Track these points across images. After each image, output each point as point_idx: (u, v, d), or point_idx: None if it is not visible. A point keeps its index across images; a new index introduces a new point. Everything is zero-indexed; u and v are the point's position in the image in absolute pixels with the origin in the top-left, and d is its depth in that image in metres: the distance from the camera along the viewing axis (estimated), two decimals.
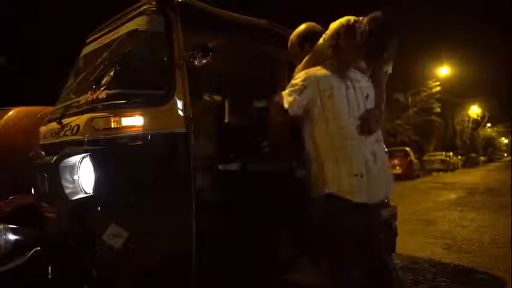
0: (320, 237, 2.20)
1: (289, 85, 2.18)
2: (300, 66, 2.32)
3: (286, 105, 2.10)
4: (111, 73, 2.39)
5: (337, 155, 2.10)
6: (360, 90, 2.20)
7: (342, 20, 2.21)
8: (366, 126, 2.15)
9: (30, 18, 13.34)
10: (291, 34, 2.49)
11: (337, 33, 2.17)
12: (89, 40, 3.14)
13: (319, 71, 2.17)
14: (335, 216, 2.11)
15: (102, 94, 2.30)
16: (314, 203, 2.19)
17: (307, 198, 2.37)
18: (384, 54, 2.22)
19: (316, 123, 2.15)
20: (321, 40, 2.25)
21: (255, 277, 2.94)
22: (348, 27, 2.16)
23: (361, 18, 2.18)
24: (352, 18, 2.18)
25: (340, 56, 2.18)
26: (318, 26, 2.46)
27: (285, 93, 2.15)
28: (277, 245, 3.24)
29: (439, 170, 26.19)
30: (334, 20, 2.22)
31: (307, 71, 2.20)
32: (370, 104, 2.22)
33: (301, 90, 2.12)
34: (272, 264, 3.10)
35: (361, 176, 2.09)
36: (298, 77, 2.18)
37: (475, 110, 43.96)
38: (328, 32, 2.22)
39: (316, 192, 2.16)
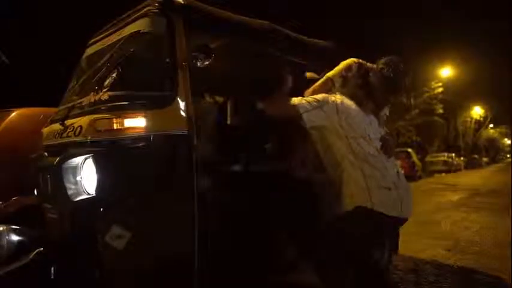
0: (340, 247, 2.26)
1: (310, 99, 2.39)
2: (312, 88, 2.60)
3: (304, 116, 2.30)
4: (114, 74, 2.39)
5: (363, 169, 2.23)
6: (374, 118, 2.48)
7: (354, 59, 2.62)
8: (388, 147, 2.39)
9: (31, 18, 13.37)
10: (291, 35, 2.61)
11: (348, 67, 2.57)
12: (91, 41, 3.15)
13: (338, 95, 2.44)
14: (368, 229, 2.19)
15: (105, 95, 2.31)
16: (338, 216, 2.27)
17: (312, 202, 2.40)
18: (400, 90, 2.62)
19: (336, 139, 2.32)
20: (332, 71, 2.61)
21: (256, 278, 2.94)
22: (357, 64, 2.58)
23: (365, 63, 2.60)
24: (359, 60, 2.62)
25: (347, 88, 2.52)
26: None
27: (303, 102, 2.35)
28: (280, 246, 3.24)
29: (441, 171, 26.11)
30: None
31: (325, 94, 2.45)
32: (383, 132, 2.49)
33: (318, 107, 2.33)
34: (273, 265, 3.10)
35: (390, 189, 2.17)
36: (319, 96, 2.41)
37: (477, 111, 43.84)
38: (340, 65, 2.61)
39: (340, 206, 2.25)
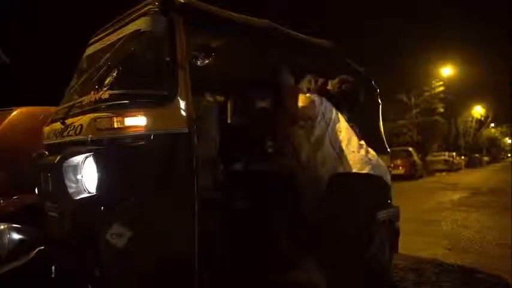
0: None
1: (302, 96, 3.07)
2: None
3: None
4: (114, 73, 2.39)
5: (332, 140, 2.88)
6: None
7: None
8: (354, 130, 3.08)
9: (31, 18, 13.38)
10: (291, 34, 2.82)
11: (308, 81, 3.38)
12: (92, 40, 3.15)
13: (320, 97, 3.10)
14: (350, 197, 2.71)
15: (105, 94, 2.31)
16: (322, 198, 2.81)
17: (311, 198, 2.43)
18: (357, 103, 3.37)
19: (320, 129, 2.92)
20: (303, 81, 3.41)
21: (256, 277, 2.94)
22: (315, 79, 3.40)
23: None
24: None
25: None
26: None
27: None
28: (280, 245, 3.25)
29: (442, 170, 26.08)
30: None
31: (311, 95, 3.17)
32: None
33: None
34: (273, 264, 3.11)
35: (359, 152, 2.86)
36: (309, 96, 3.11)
37: (478, 110, 43.78)
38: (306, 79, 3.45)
39: (320, 185, 2.84)
